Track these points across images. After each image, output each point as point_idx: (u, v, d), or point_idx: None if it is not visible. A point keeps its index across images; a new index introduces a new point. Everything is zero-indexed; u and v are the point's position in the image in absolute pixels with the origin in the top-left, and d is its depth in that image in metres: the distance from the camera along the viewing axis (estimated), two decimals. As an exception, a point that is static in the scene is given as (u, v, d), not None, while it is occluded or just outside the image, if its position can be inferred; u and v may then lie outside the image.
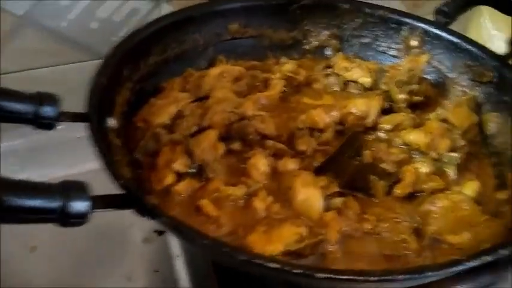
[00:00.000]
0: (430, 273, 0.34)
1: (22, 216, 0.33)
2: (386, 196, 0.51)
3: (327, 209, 0.48)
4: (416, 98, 0.62)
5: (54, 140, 0.61)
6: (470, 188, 0.50)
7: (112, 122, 0.50)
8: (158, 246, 0.60)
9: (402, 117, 0.58)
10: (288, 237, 0.43)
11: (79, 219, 0.36)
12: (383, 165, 0.52)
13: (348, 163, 0.50)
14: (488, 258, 0.36)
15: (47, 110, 0.44)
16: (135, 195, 0.38)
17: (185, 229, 0.38)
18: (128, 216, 0.60)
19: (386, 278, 0.32)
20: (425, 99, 0.63)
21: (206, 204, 0.47)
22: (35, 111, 0.43)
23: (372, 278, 0.32)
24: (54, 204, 0.34)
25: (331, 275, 0.32)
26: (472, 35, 0.89)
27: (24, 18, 0.72)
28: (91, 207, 0.36)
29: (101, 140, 0.43)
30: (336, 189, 0.49)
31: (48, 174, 0.67)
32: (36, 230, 0.58)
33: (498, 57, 0.61)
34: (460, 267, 0.35)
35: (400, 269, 0.34)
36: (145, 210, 0.38)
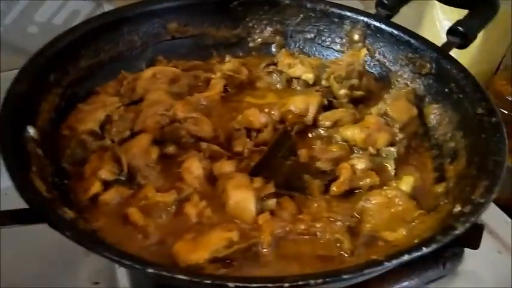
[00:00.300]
0: (346, 276, 0.33)
1: None
2: (323, 195, 0.49)
3: (261, 211, 0.47)
4: (358, 93, 0.61)
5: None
6: (406, 182, 0.49)
7: (32, 131, 0.47)
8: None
9: (341, 113, 0.57)
10: (215, 243, 0.42)
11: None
12: (319, 164, 0.50)
13: (282, 163, 0.48)
14: (404, 258, 0.35)
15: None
16: (40, 210, 0.36)
17: (88, 243, 0.36)
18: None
19: (299, 283, 0.31)
20: (368, 93, 0.62)
21: (133, 212, 0.45)
22: None
23: (285, 285, 0.31)
24: None
25: (243, 284, 0.31)
26: (426, 26, 0.90)
27: None
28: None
29: (11, 152, 0.41)
30: (272, 190, 0.48)
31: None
32: None
33: (437, 49, 0.60)
34: (378, 268, 0.34)
35: (315, 273, 0.33)
36: (52, 225, 0.36)
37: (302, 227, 0.45)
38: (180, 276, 0.31)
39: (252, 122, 0.54)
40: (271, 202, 0.47)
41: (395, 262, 0.35)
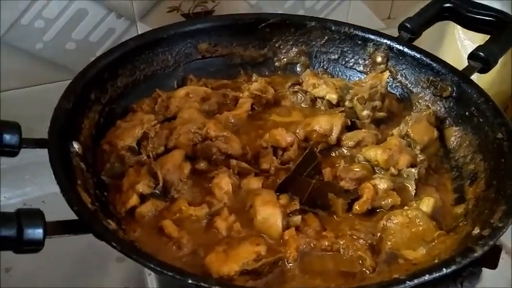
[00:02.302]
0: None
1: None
2: (346, 213, 0.52)
3: (287, 226, 0.49)
4: (380, 114, 0.63)
5: (22, 161, 0.63)
6: (426, 204, 0.51)
7: (77, 146, 0.51)
8: (131, 264, 0.61)
9: (364, 133, 0.59)
10: (245, 257, 0.44)
11: (34, 246, 0.37)
12: (342, 183, 0.53)
13: (307, 182, 0.51)
14: (426, 278, 0.37)
15: (8, 138, 0.45)
16: (88, 221, 0.39)
17: (134, 253, 0.39)
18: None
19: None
20: (390, 114, 0.64)
21: (168, 225, 0.48)
22: (-4, 141, 0.44)
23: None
24: (9, 232, 0.35)
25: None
26: (446, 46, 0.92)
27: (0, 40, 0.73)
28: (46, 233, 0.37)
29: (61, 166, 0.44)
30: (297, 207, 0.51)
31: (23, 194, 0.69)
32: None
33: (458, 73, 0.62)
34: (400, 286, 0.36)
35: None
36: (98, 236, 0.39)
37: (326, 243, 0.48)
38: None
39: (279, 141, 0.57)
40: (297, 218, 0.49)
41: (416, 281, 0.37)
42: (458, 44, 0.92)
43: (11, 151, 0.46)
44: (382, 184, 0.53)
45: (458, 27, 0.92)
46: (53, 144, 0.46)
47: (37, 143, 0.47)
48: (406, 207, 0.51)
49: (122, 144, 0.54)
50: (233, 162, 0.56)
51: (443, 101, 0.64)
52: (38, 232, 0.37)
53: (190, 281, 0.35)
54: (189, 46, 0.70)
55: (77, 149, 0.51)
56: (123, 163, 0.54)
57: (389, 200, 0.51)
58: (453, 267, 0.38)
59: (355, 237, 0.48)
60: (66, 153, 0.49)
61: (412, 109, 0.66)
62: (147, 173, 0.52)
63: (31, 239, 0.36)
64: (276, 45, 0.74)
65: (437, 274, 0.37)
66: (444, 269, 0.38)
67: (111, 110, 0.61)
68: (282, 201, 0.51)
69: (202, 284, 0.35)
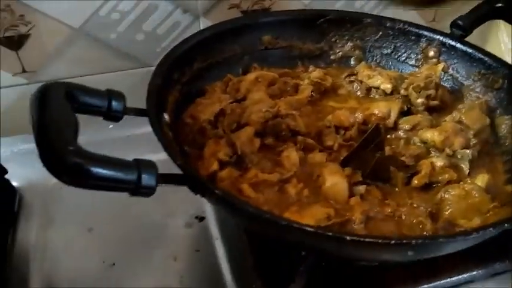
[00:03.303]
0: (442, 240, 0.40)
1: (104, 184, 0.41)
2: (405, 186, 0.57)
3: (351, 195, 0.54)
4: (434, 103, 0.68)
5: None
6: (481, 180, 0.56)
7: (167, 117, 0.58)
8: (199, 230, 0.67)
9: (420, 118, 0.64)
10: (318, 214, 0.50)
11: (148, 189, 0.43)
12: (402, 159, 0.58)
13: (370, 156, 0.56)
14: (491, 230, 0.41)
15: (116, 105, 0.52)
16: (190, 173, 0.46)
17: (232, 199, 0.45)
18: (171, 205, 0.68)
19: (403, 242, 0.39)
20: (442, 103, 0.69)
21: (246, 187, 0.54)
22: (106, 106, 0.52)
23: (392, 242, 0.38)
24: (131, 176, 0.42)
25: (359, 238, 0.39)
26: (490, 48, 0.96)
27: (80, 30, 0.81)
28: (158, 182, 0.44)
29: (161, 129, 0.51)
30: (360, 178, 0.56)
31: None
32: (93, 215, 0.67)
33: (509, 66, 0.67)
34: (469, 236, 0.41)
35: (416, 235, 0.40)
36: (198, 185, 0.45)
37: (389, 210, 0.53)
38: (308, 229, 0.39)
39: (342, 121, 0.63)
40: (362, 187, 0.55)
41: (481, 233, 0.41)
42: (502, 46, 0.96)
43: (116, 116, 0.53)
44: (439, 162, 0.57)
45: (503, 28, 0.96)
46: (151, 113, 0.53)
47: (138, 112, 0.54)
48: (461, 182, 0.56)
49: (203, 117, 0.60)
50: (300, 138, 0.61)
51: (494, 93, 0.68)
52: (152, 179, 0.43)
53: (284, 223, 0.40)
54: (255, 37, 0.76)
55: (167, 119, 0.58)
56: (204, 135, 0.60)
57: (446, 175, 0.56)
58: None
59: (415, 205, 0.53)
60: (160, 122, 0.55)
61: (463, 100, 0.71)
62: (226, 144, 0.59)
63: (147, 184, 0.43)
64: (333, 39, 0.80)
65: (500, 229, 0.42)
66: (506, 225, 0.42)
67: (188, 91, 0.68)
68: (346, 172, 0.56)
69: (294, 225, 0.41)
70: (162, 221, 0.68)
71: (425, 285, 0.55)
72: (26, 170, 0.71)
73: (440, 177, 0.56)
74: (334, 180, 0.54)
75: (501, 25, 0.96)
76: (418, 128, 0.64)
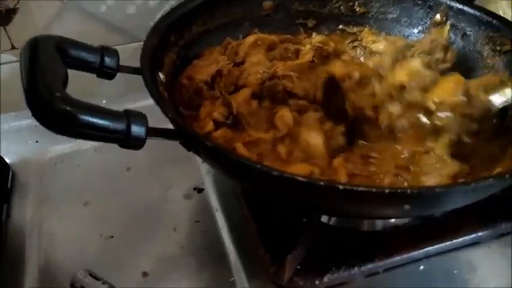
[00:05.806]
0: (438, 190, 0.38)
1: (92, 132, 0.40)
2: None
3: (332, 151, 0.53)
4: (445, 65, 0.65)
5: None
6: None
7: (162, 76, 0.57)
8: (198, 201, 0.66)
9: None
10: (301, 171, 0.49)
11: (137, 141, 0.42)
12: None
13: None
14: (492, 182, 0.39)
15: (109, 61, 0.51)
16: (181, 126, 0.45)
17: (223, 150, 0.44)
18: (169, 178, 0.67)
19: (397, 191, 0.37)
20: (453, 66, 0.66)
21: (239, 146, 0.53)
22: (99, 61, 0.51)
23: (386, 191, 0.37)
24: (120, 125, 0.41)
25: (352, 187, 0.37)
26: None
27: (69, 3, 0.79)
28: (148, 134, 0.43)
29: (155, 86, 0.50)
30: (340, 134, 0.56)
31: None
32: (88, 189, 0.67)
33: (518, 28, 0.64)
34: (469, 187, 0.39)
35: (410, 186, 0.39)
36: (189, 138, 0.44)
37: (373, 168, 0.52)
38: (300, 179, 0.38)
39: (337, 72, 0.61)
40: (339, 138, 0.55)
41: (481, 184, 0.39)
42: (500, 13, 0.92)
43: (109, 73, 0.52)
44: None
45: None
46: (145, 70, 0.52)
47: (132, 70, 0.53)
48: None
49: (200, 78, 0.59)
50: (293, 101, 0.60)
51: (502, 56, 0.65)
52: (142, 130, 0.42)
53: (275, 174, 0.39)
54: (256, 3, 0.75)
55: (162, 78, 0.57)
56: (200, 96, 0.59)
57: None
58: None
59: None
60: (155, 81, 0.54)
61: (472, 65, 0.68)
62: (222, 104, 0.58)
63: (136, 135, 0.42)
64: (336, 5, 0.78)
65: (501, 181, 0.40)
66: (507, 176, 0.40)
67: (185, 54, 0.66)
68: (325, 127, 0.56)
69: (286, 175, 0.39)
70: (160, 194, 0.67)
71: (430, 247, 0.54)
72: (19, 147, 0.71)
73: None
74: (310, 135, 0.53)
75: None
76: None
